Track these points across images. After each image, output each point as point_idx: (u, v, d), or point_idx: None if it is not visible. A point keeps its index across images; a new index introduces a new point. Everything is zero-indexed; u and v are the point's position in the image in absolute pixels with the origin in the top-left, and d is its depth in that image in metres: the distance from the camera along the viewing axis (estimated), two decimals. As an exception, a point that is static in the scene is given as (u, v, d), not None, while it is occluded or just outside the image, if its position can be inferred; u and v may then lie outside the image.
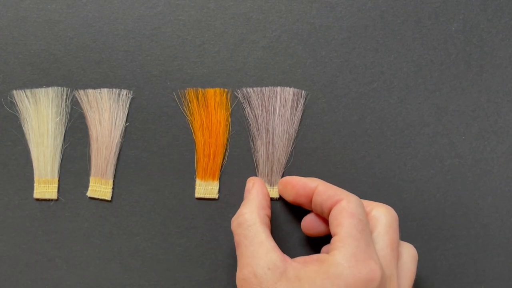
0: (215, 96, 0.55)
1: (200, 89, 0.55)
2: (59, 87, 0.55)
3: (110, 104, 0.55)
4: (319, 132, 0.55)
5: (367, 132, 0.55)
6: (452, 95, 0.55)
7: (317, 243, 0.54)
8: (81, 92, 0.55)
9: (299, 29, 0.56)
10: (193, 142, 0.55)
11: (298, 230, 0.54)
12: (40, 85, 0.55)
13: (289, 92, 0.54)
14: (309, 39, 0.56)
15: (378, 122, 0.55)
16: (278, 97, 0.54)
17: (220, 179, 0.55)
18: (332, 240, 0.42)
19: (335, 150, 0.55)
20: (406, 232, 0.54)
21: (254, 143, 0.54)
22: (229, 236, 0.54)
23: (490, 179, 0.55)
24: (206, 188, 0.54)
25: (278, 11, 0.56)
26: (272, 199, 0.54)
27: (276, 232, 0.54)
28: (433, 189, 0.54)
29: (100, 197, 0.55)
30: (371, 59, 0.55)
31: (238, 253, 0.44)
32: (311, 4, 0.56)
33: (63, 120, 0.55)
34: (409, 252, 0.45)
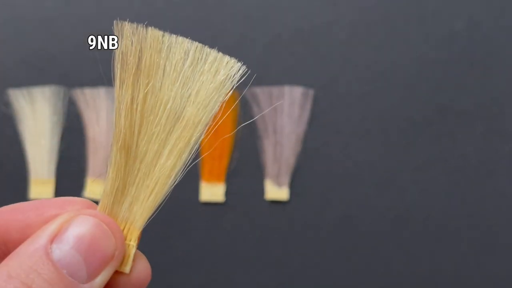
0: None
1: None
2: (56, 86, 0.55)
3: (107, 103, 0.54)
4: (321, 131, 0.54)
5: (369, 132, 0.54)
6: (455, 95, 0.55)
7: (326, 245, 0.53)
8: (78, 91, 0.55)
9: (300, 27, 0.55)
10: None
11: (309, 234, 0.54)
12: (36, 84, 0.55)
13: (297, 91, 0.54)
14: (310, 36, 0.55)
15: (380, 121, 0.55)
16: (286, 96, 0.53)
17: (226, 181, 0.54)
18: None
19: (336, 150, 0.54)
20: (409, 233, 0.53)
21: (262, 144, 0.54)
22: (230, 238, 0.54)
23: (494, 180, 0.54)
24: (212, 191, 0.54)
25: (278, 8, 0.55)
26: (281, 201, 0.53)
27: (286, 236, 0.54)
28: (436, 189, 0.54)
29: (97, 198, 0.54)
30: (374, 58, 0.55)
31: None
32: (312, 1, 0.56)
33: (60, 120, 0.55)
34: None
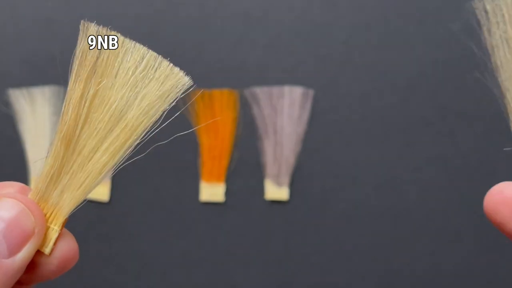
0: (221, 97, 0.54)
1: (205, 90, 0.54)
2: (56, 86, 0.55)
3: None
4: (321, 131, 0.54)
5: (369, 132, 0.54)
6: (455, 95, 0.55)
7: (326, 245, 0.53)
8: (78, 91, 0.55)
9: (300, 27, 0.55)
10: (196, 144, 0.54)
11: (309, 234, 0.53)
12: (36, 84, 0.55)
13: (297, 91, 0.54)
14: (310, 37, 0.55)
15: (380, 121, 0.54)
16: (287, 96, 0.53)
17: (226, 181, 0.54)
18: None
19: (336, 150, 0.54)
20: (409, 233, 0.53)
21: (262, 144, 0.54)
22: (230, 238, 0.54)
23: (494, 180, 0.54)
24: (212, 190, 0.54)
25: (278, 9, 0.55)
26: (280, 201, 0.53)
27: (286, 236, 0.54)
28: (436, 189, 0.54)
29: (97, 197, 0.54)
30: (373, 58, 0.55)
31: None
32: (312, 1, 0.56)
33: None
34: None
